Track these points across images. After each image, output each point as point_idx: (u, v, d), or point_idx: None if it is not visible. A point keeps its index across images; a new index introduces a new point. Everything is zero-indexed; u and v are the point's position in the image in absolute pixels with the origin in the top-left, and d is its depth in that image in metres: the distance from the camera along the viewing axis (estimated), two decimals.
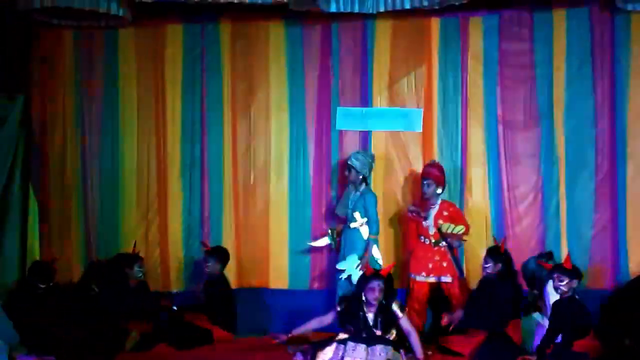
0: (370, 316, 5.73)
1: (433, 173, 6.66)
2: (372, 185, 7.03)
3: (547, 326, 5.71)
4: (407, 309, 6.37)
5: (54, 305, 6.34)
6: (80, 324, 6.13)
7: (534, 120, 7.03)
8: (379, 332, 5.67)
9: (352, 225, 6.76)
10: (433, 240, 6.64)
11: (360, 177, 6.80)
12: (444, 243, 6.63)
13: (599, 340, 5.38)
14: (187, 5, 6.71)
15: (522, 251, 6.85)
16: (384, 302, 5.72)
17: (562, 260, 5.80)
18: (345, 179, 6.92)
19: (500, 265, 6.10)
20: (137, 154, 7.35)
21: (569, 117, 6.95)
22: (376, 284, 5.71)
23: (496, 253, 6.16)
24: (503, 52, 7.06)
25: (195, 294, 6.89)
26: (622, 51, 6.89)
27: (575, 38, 6.95)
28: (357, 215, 6.72)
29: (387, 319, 5.68)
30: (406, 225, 7.03)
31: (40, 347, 5.62)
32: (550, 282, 5.80)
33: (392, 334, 5.72)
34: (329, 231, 7.01)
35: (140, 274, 6.81)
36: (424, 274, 6.62)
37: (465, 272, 6.82)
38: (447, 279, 6.60)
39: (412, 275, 6.70)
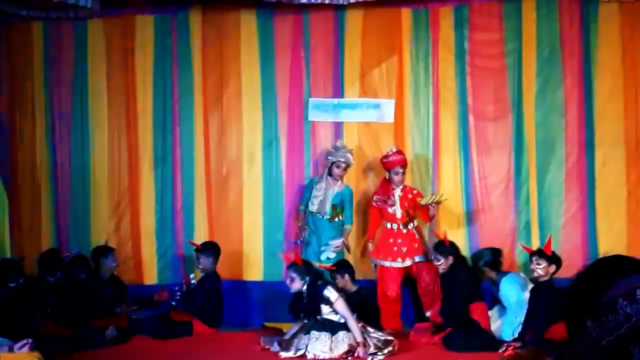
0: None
1: (401, 159, 6.70)
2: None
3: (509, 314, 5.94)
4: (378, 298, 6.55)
5: (30, 299, 6.26)
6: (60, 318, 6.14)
7: (505, 110, 7.10)
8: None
9: (331, 219, 6.78)
10: (402, 224, 6.67)
11: None
12: (411, 225, 6.67)
13: (565, 324, 5.46)
14: None
15: (493, 240, 6.93)
16: (310, 287, 5.71)
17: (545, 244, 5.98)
18: (326, 173, 6.90)
19: (451, 257, 6.19)
20: (108, 146, 7.29)
21: (539, 106, 7.03)
22: (288, 274, 5.81)
23: (442, 248, 6.25)
24: (473, 42, 7.11)
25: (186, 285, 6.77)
26: (590, 40, 6.99)
27: (544, 28, 7.03)
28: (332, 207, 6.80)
29: (317, 303, 5.66)
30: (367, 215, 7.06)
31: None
32: (506, 278, 6.11)
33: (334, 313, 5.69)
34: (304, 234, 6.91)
35: (115, 264, 6.79)
36: (399, 259, 6.62)
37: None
38: (420, 258, 6.64)
39: (382, 263, 6.69)
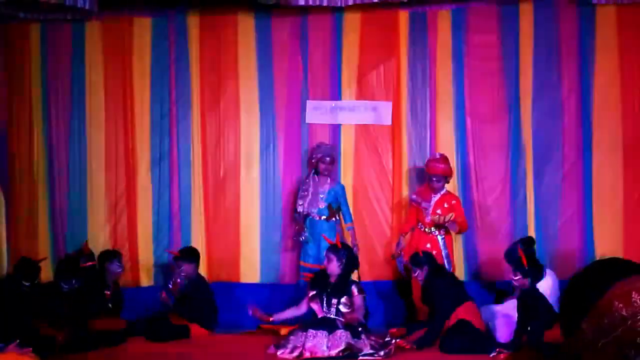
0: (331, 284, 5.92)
1: (439, 168, 6.65)
2: (341, 178, 7.08)
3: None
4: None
5: (37, 302, 6.23)
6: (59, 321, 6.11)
7: (502, 112, 7.11)
8: (335, 301, 5.82)
9: (328, 219, 6.78)
10: (427, 228, 6.66)
11: None
12: (436, 232, 6.65)
13: (560, 326, 5.45)
14: None
15: (491, 242, 6.96)
16: (343, 273, 5.91)
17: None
18: (312, 173, 6.92)
19: (425, 268, 6.18)
20: (105, 148, 7.27)
21: (536, 109, 7.05)
22: (328, 255, 5.95)
23: (416, 259, 6.24)
24: (471, 45, 7.13)
25: (164, 301, 6.70)
26: (587, 43, 7.02)
27: (541, 30, 7.05)
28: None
29: (342, 289, 5.84)
30: (396, 213, 7.12)
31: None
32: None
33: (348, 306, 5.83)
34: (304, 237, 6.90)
35: (120, 270, 6.78)
36: None
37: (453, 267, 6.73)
38: None
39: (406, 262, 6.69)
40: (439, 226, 6.62)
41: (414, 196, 6.81)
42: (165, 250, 7.08)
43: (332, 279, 5.94)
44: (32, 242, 7.18)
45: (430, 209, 6.64)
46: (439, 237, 6.65)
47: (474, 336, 5.77)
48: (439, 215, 6.55)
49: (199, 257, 6.76)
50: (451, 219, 6.53)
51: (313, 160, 6.89)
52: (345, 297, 5.83)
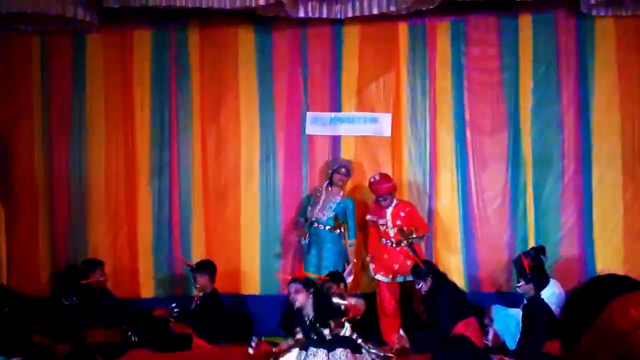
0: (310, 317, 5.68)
1: (383, 189, 6.66)
2: None
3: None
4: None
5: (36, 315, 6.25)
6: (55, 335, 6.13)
7: (501, 124, 7.12)
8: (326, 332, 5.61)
9: (333, 230, 6.81)
10: (394, 241, 6.67)
11: None
12: (404, 243, 6.65)
13: (560, 340, 5.46)
14: (155, 10, 6.71)
15: (491, 253, 6.97)
16: (317, 300, 5.69)
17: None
18: (326, 183, 6.97)
19: (429, 279, 6.17)
20: (105, 160, 7.31)
21: (536, 121, 7.05)
22: (291, 287, 5.81)
23: (418, 271, 6.23)
24: (470, 57, 7.14)
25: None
26: (586, 56, 7.01)
27: (541, 43, 7.06)
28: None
29: (327, 317, 5.60)
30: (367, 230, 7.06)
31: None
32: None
33: (345, 328, 5.66)
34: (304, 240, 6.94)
35: (102, 278, 6.78)
36: (390, 276, 6.65)
37: None
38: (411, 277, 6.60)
39: (376, 277, 6.73)
40: (404, 236, 6.62)
41: (369, 216, 6.85)
42: (181, 261, 7.06)
43: (311, 313, 5.66)
44: (32, 254, 7.21)
45: (389, 223, 6.67)
46: (407, 247, 6.63)
47: (470, 352, 5.74)
48: (406, 232, 6.57)
49: (213, 269, 6.70)
50: (416, 233, 6.57)
51: (329, 171, 6.95)
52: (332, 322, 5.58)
